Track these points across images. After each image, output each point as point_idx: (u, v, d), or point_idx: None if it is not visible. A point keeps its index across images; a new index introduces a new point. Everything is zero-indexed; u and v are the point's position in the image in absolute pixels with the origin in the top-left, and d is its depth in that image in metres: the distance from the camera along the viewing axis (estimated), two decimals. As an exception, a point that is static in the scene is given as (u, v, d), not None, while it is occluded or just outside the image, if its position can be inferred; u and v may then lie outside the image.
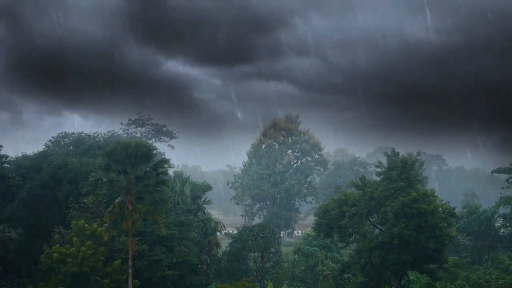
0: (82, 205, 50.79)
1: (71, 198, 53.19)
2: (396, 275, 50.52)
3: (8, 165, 61.21)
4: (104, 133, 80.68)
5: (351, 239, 53.66)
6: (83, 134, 76.60)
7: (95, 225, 45.83)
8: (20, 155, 65.09)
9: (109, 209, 43.67)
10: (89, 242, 44.28)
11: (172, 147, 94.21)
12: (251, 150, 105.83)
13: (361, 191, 51.44)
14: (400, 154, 52.62)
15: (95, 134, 77.00)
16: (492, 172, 79.28)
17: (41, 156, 62.15)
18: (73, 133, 77.77)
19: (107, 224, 44.06)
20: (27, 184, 58.24)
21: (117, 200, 44.09)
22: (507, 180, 76.17)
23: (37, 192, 56.77)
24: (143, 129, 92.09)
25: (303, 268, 65.75)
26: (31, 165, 60.65)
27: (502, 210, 78.68)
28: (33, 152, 65.92)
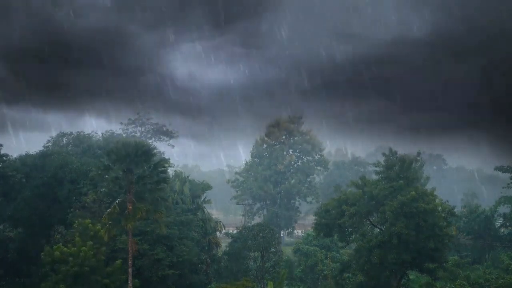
0: (86, 204, 50.89)
1: (74, 198, 53.30)
2: (396, 275, 50.51)
3: (10, 162, 60.88)
4: (102, 133, 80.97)
5: (350, 238, 53.69)
6: (82, 134, 76.79)
7: (98, 226, 45.87)
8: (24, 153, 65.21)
9: (109, 210, 43.74)
10: (90, 242, 44.28)
11: (172, 146, 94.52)
12: (253, 149, 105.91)
13: (360, 190, 51.48)
14: (398, 153, 52.68)
15: (91, 134, 77.27)
16: (494, 169, 78.82)
17: (43, 156, 62.18)
18: (71, 133, 77.96)
19: (107, 225, 44.10)
20: (30, 183, 58.27)
21: (117, 201, 44.21)
22: (511, 179, 75.67)
23: (39, 191, 56.83)
24: (143, 128, 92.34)
25: (302, 267, 65.77)
26: (33, 164, 60.69)
27: (503, 209, 78.62)
28: (35, 151, 66.10)
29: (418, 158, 56.44)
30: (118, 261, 45.28)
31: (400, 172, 50.36)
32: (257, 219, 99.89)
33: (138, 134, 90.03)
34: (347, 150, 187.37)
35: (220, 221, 67.96)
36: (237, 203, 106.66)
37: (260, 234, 61.11)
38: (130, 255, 43.86)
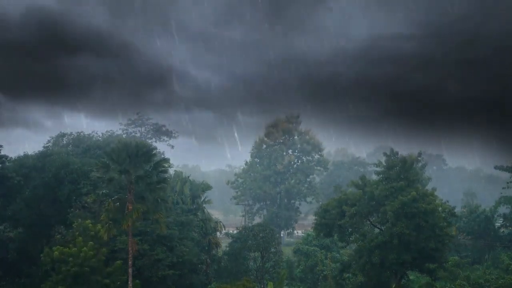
0: (86, 204, 50.87)
1: (74, 198, 53.26)
2: (396, 275, 50.51)
3: (9, 164, 60.81)
4: (102, 133, 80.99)
5: (351, 238, 53.65)
6: (82, 134, 76.80)
7: (98, 226, 45.86)
8: (22, 154, 65.10)
9: (105, 207, 43.77)
10: (91, 242, 44.27)
11: (172, 147, 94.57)
12: (253, 150, 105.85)
13: (361, 190, 51.44)
14: (399, 153, 52.67)
15: (91, 135, 77.24)
16: (495, 168, 78.72)
17: (43, 156, 62.10)
18: (71, 133, 77.92)
19: (107, 224, 44.08)
20: (30, 183, 58.15)
21: (112, 198, 44.23)
22: (511, 178, 75.54)
23: (39, 191, 56.74)
24: (143, 128, 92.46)
25: (302, 268, 65.71)
26: (33, 165, 60.62)
27: (503, 210, 78.63)
28: (34, 152, 66.02)
29: (419, 158, 56.38)
30: (118, 262, 45.29)
31: (401, 172, 50.32)
32: (257, 219, 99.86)
33: (138, 134, 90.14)
34: (346, 150, 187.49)
35: (220, 221, 67.88)
36: (237, 204, 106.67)
37: (260, 234, 61.06)
38: (130, 255, 43.84)
